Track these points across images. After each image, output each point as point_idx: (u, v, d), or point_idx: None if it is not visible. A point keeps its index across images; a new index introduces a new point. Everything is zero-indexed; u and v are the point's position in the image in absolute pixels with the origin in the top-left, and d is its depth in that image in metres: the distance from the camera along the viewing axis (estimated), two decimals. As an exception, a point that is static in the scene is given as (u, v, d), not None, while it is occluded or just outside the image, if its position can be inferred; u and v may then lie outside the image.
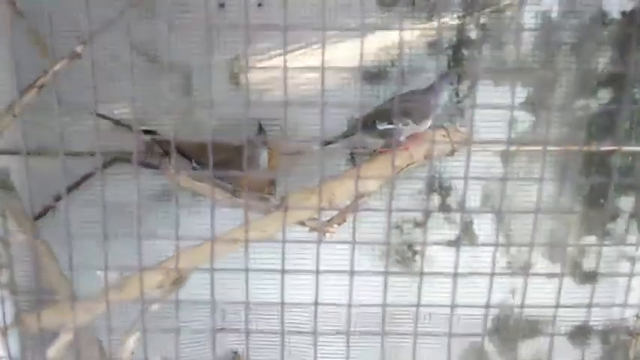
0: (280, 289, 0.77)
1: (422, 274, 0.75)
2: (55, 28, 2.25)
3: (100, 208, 2.45)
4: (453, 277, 0.81)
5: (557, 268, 2.63)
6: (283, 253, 0.73)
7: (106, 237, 0.87)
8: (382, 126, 2.13)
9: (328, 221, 2.07)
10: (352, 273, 0.76)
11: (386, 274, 0.77)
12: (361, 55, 2.19)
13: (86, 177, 2.32)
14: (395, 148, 2.15)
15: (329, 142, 2.21)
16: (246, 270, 0.72)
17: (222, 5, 2.32)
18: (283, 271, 0.70)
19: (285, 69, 0.85)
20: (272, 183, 2.07)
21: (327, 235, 2.09)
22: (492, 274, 0.95)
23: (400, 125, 2.10)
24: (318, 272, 0.72)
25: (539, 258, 2.61)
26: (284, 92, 0.89)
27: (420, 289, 0.90)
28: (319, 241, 0.73)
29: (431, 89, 2.14)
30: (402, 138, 2.18)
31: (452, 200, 2.56)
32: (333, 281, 2.51)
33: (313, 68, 2.34)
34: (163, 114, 2.38)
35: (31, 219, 1.98)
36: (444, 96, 2.17)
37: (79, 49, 1.68)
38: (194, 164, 2.04)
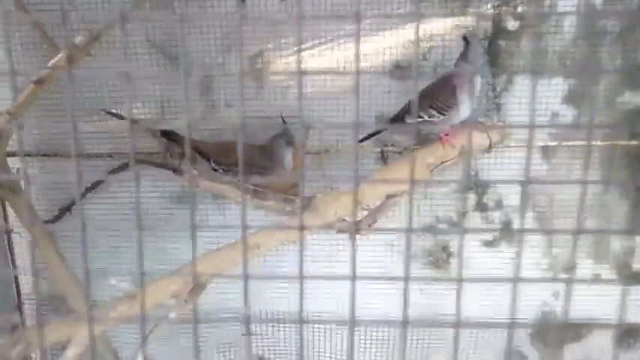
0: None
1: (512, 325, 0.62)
2: (64, 23, 2.19)
3: (119, 209, 2.38)
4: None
5: (602, 269, 2.46)
6: (301, 289, 0.61)
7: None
8: (411, 119, 2.01)
9: (358, 223, 1.95)
10: (405, 325, 0.63)
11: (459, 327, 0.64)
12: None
13: (101, 181, 2.23)
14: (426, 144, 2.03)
15: (362, 140, 2.09)
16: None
17: (243, 0, 2.22)
18: (301, 316, 0.58)
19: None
20: (297, 184, 1.95)
21: (357, 236, 1.97)
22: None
23: (427, 118, 1.97)
24: (353, 324, 0.60)
25: (583, 259, 2.45)
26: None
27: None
28: (352, 278, 0.60)
29: (451, 73, 1.98)
30: (434, 131, 2.05)
31: (489, 198, 2.41)
32: (366, 286, 2.43)
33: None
34: (182, 113, 2.29)
35: (41, 222, 1.89)
36: (470, 75, 1.95)
37: (77, 40, 1.58)
38: (213, 165, 1.93)
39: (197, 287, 1.46)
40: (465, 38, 1.99)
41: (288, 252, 2.34)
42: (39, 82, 1.58)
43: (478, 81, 1.98)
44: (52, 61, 1.57)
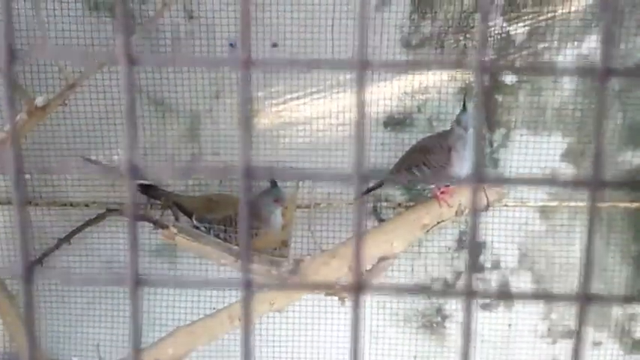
0: None
1: None
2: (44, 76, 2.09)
3: (94, 263, 2.24)
4: None
5: (602, 336, 2.34)
6: None
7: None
8: (403, 177, 1.91)
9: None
10: None
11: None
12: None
13: (75, 231, 2.09)
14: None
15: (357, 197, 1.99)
16: None
17: (232, 45, 2.14)
18: None
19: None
20: (285, 244, 1.83)
21: (347, 301, 1.85)
22: None
23: (419, 175, 1.87)
24: None
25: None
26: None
27: None
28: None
29: (447, 133, 1.90)
30: (427, 191, 1.97)
31: (485, 259, 2.30)
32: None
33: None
34: (166, 161, 2.18)
35: (1, 280, 1.74)
36: (464, 141, 1.85)
37: (38, 100, 1.46)
38: (195, 222, 1.81)
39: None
40: (463, 104, 1.90)
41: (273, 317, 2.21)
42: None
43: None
44: (9, 125, 1.45)
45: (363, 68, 0.36)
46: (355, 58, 0.36)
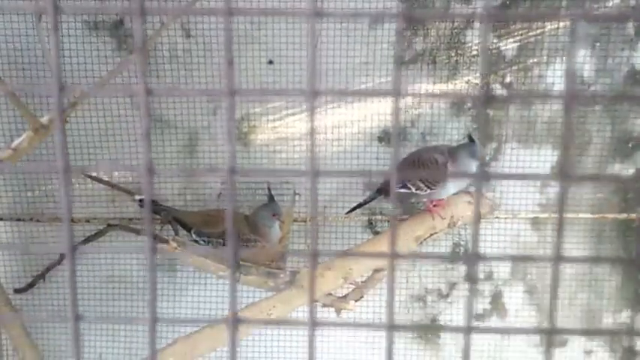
0: None
1: None
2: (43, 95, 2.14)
3: (95, 277, 2.28)
4: None
5: (594, 345, 2.39)
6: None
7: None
8: (396, 188, 1.94)
9: (344, 297, 1.88)
10: None
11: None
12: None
13: (77, 247, 2.12)
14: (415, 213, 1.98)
15: (349, 211, 2.04)
16: None
17: (229, 63, 2.18)
18: None
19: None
20: (282, 257, 1.88)
21: (344, 312, 1.89)
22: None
23: (413, 189, 1.91)
24: None
25: (574, 335, 2.38)
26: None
27: None
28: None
29: (444, 148, 1.92)
30: (421, 204, 2.01)
31: (479, 270, 2.35)
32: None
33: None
34: (165, 178, 2.22)
35: (6, 295, 1.77)
36: (463, 162, 1.87)
37: (44, 119, 1.51)
38: (194, 236, 1.85)
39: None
40: (469, 137, 1.92)
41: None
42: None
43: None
44: (15, 142, 1.50)
45: (313, 97, 0.41)
46: (307, 88, 0.41)
